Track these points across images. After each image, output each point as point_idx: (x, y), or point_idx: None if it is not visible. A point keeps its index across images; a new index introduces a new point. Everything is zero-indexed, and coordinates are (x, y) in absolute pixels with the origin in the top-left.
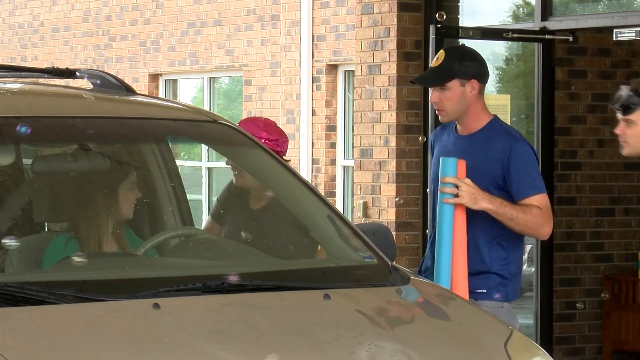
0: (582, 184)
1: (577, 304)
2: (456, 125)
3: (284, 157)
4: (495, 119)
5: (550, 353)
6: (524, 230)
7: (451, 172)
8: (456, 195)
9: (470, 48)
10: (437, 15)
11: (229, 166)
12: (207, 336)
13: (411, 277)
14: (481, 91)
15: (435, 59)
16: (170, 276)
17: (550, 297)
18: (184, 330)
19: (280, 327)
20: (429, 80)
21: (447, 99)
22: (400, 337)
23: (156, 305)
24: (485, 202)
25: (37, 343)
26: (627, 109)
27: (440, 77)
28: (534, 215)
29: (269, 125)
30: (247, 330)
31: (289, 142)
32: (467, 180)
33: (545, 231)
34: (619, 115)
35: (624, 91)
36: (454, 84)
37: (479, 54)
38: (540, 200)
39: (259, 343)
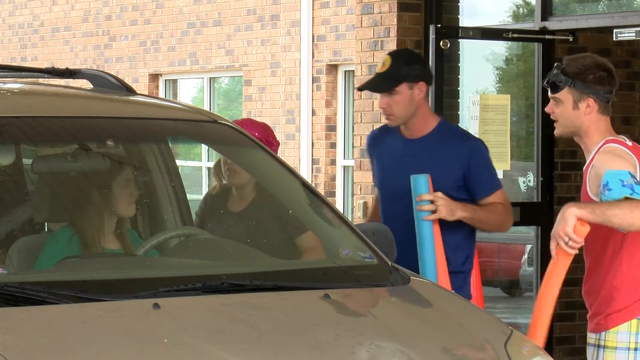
0: (582, 184)
1: None
2: (399, 129)
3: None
4: (443, 120)
5: (550, 353)
6: (492, 229)
7: (425, 189)
8: (433, 211)
9: (414, 51)
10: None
11: (225, 166)
12: (207, 336)
13: (411, 277)
14: (426, 93)
15: (381, 65)
16: (170, 276)
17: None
18: (184, 330)
19: (280, 327)
20: (378, 86)
21: (396, 103)
22: (400, 337)
23: (156, 305)
24: (460, 212)
25: (37, 343)
26: (554, 87)
27: (389, 82)
28: (500, 213)
29: (263, 127)
30: (247, 330)
31: (291, 142)
32: (440, 194)
33: (508, 225)
34: (549, 94)
35: (554, 69)
36: (403, 88)
37: (421, 57)
38: (500, 195)
39: (259, 343)
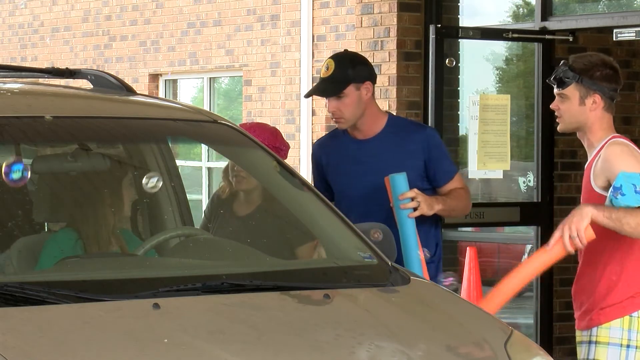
0: (582, 184)
1: None
2: (347, 132)
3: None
4: (391, 115)
5: (550, 353)
6: (460, 214)
7: (405, 187)
8: (415, 208)
9: (355, 52)
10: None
11: (232, 172)
12: (207, 336)
13: (411, 277)
14: (373, 92)
15: (326, 69)
16: (170, 276)
17: (550, 297)
18: (184, 330)
19: (280, 327)
20: (326, 91)
21: (346, 106)
22: (400, 337)
23: (156, 305)
24: (437, 205)
25: (37, 343)
26: (561, 83)
27: (336, 85)
28: (464, 197)
29: (272, 133)
30: (247, 330)
31: (291, 142)
32: (417, 190)
33: (470, 205)
34: (555, 90)
35: (561, 66)
36: (350, 90)
37: (363, 56)
38: (458, 179)
39: (259, 343)
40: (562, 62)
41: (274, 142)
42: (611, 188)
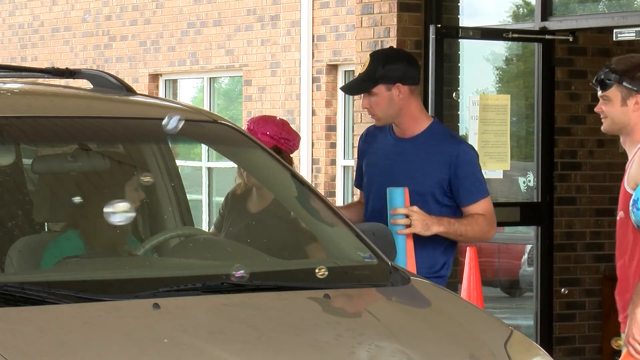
0: (582, 184)
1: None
2: (392, 127)
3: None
4: (436, 122)
5: (550, 353)
6: (472, 240)
7: (400, 202)
8: (408, 225)
9: (397, 50)
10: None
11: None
12: (207, 336)
13: (411, 277)
14: (413, 93)
15: (362, 65)
16: (170, 276)
17: (550, 297)
18: (184, 330)
19: (280, 327)
20: (354, 88)
21: (376, 104)
22: (400, 337)
23: (156, 305)
24: (436, 226)
25: (37, 343)
26: (603, 85)
27: (364, 84)
28: (479, 224)
29: (277, 124)
30: (247, 330)
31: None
32: (416, 208)
33: (490, 235)
34: (598, 93)
35: (603, 68)
36: (380, 90)
37: (406, 55)
38: (485, 204)
39: (259, 343)
40: (604, 64)
41: (280, 134)
42: (632, 199)
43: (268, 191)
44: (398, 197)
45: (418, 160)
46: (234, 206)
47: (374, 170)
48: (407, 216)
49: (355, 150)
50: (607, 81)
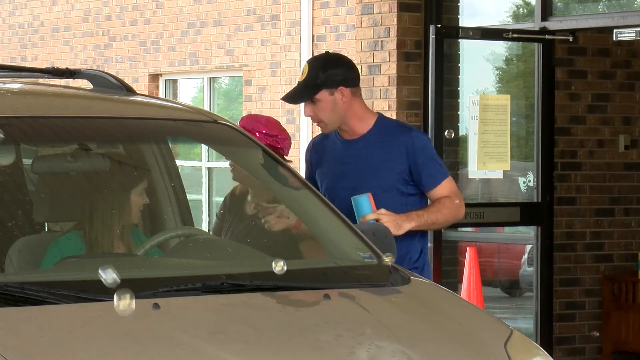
0: (582, 184)
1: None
2: (338, 132)
3: (285, 156)
4: (381, 116)
5: (550, 353)
6: (446, 223)
7: (367, 208)
8: None
9: (334, 54)
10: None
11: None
12: (207, 336)
13: (411, 278)
14: (355, 94)
15: (302, 73)
16: (170, 276)
17: (550, 297)
18: (184, 330)
19: (280, 327)
20: (297, 96)
21: (321, 110)
22: (400, 337)
23: (156, 305)
24: (407, 223)
25: (37, 343)
26: None
27: (307, 91)
28: (447, 207)
29: (270, 122)
30: (247, 330)
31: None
32: (383, 211)
33: (461, 213)
34: None
35: None
36: (323, 95)
37: (344, 58)
38: (447, 184)
39: (259, 343)
40: None
41: (269, 130)
42: None
43: (265, 191)
44: (364, 204)
45: (374, 157)
46: (233, 207)
47: (333, 177)
48: (377, 221)
49: None
50: None
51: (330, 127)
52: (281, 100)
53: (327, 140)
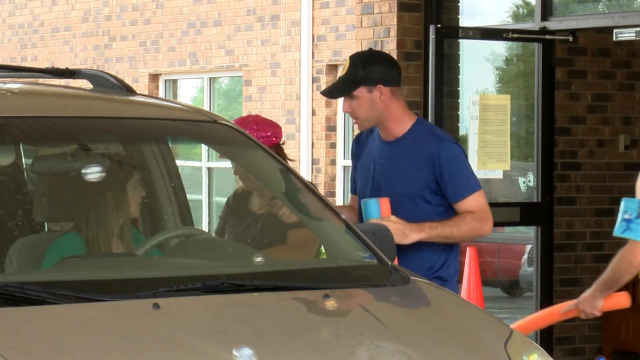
0: (582, 184)
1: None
2: (379, 131)
3: (279, 140)
4: (420, 121)
5: (550, 353)
6: (464, 239)
7: (375, 213)
8: None
9: (377, 52)
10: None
11: (234, 170)
12: (207, 336)
13: (411, 277)
14: (394, 94)
15: (343, 68)
16: (170, 276)
17: (550, 297)
18: (184, 330)
19: (280, 327)
20: (335, 91)
21: (358, 107)
22: (400, 337)
23: (156, 305)
24: (415, 234)
25: (37, 343)
26: None
27: (345, 86)
28: (467, 223)
29: (259, 123)
30: (247, 330)
31: (291, 142)
32: (393, 218)
33: (486, 230)
34: None
35: None
36: (361, 92)
37: (386, 56)
38: (475, 200)
39: (259, 343)
40: None
41: (262, 132)
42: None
43: (268, 191)
44: (372, 208)
45: (403, 164)
46: (236, 208)
47: (366, 175)
48: None
49: None
50: None
51: (366, 124)
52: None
53: (371, 137)
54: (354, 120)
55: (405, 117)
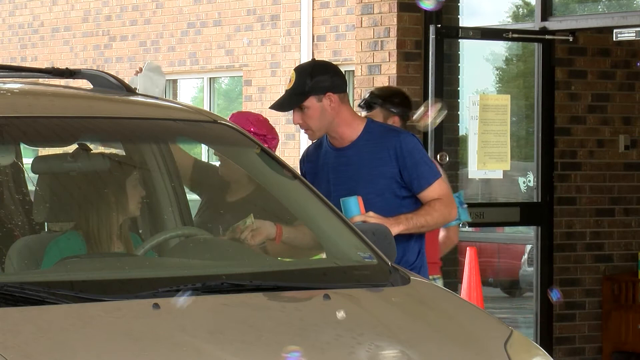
0: (582, 184)
1: None
2: (328, 140)
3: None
4: (370, 121)
5: (550, 353)
6: (437, 225)
7: (355, 210)
8: None
9: (321, 61)
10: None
11: (216, 156)
12: (207, 336)
13: (411, 278)
14: (343, 100)
15: (289, 81)
16: (170, 276)
17: None
18: (184, 330)
19: (280, 327)
20: (285, 104)
21: (309, 117)
22: (400, 337)
23: (156, 305)
24: (395, 227)
25: (37, 343)
26: None
27: (295, 98)
28: (438, 210)
29: (259, 121)
30: (247, 330)
31: (291, 142)
32: (371, 213)
33: (454, 214)
34: None
35: None
36: (311, 102)
37: (331, 65)
38: (438, 186)
39: (259, 343)
40: None
41: (258, 130)
42: None
43: (246, 185)
44: (352, 206)
45: (366, 163)
46: (212, 196)
47: (326, 186)
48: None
49: None
50: None
51: (318, 134)
52: (269, 108)
53: (321, 150)
54: (305, 131)
55: (357, 120)
